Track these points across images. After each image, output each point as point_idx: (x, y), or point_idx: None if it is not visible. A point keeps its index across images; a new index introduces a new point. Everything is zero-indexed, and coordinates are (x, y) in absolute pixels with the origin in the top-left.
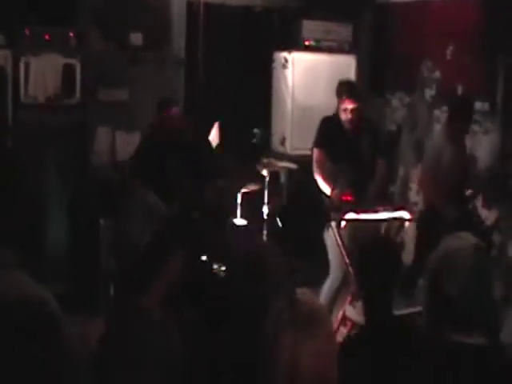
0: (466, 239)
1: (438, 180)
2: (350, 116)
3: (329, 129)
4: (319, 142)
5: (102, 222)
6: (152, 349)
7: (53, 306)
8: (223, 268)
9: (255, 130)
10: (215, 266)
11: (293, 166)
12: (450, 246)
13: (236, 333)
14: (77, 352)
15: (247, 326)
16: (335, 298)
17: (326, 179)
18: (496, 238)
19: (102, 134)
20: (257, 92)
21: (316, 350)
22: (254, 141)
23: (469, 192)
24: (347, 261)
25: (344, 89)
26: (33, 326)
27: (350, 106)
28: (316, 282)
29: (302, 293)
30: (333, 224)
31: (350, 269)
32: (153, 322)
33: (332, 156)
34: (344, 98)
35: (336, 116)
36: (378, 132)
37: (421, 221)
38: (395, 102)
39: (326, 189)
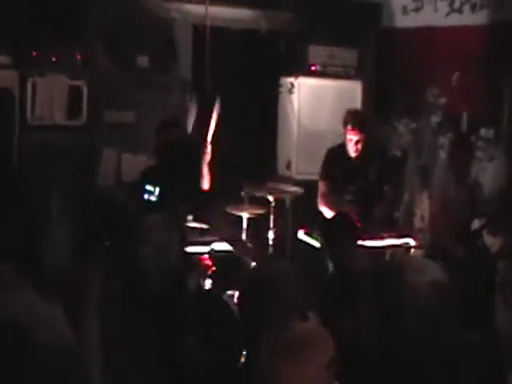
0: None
1: (446, 213)
2: (355, 147)
3: (334, 159)
4: (324, 175)
5: (106, 243)
6: None
7: (60, 322)
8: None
9: None
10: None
11: (298, 190)
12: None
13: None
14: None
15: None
16: None
17: (331, 208)
18: (500, 264)
19: (108, 156)
20: (263, 116)
21: (312, 375)
22: None
23: (476, 224)
24: None
25: (350, 119)
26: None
27: (355, 136)
28: None
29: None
30: None
31: None
32: None
33: (338, 185)
34: (350, 127)
35: (342, 144)
36: (385, 159)
37: (425, 248)
38: (401, 127)
39: (331, 216)
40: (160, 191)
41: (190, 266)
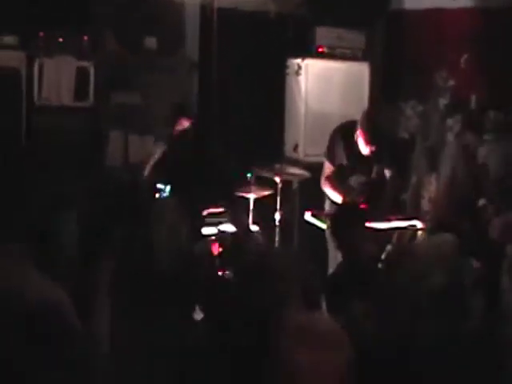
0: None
1: (453, 195)
2: (368, 150)
3: (342, 142)
4: (330, 156)
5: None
6: None
7: (68, 306)
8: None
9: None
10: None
11: (305, 173)
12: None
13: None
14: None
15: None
16: None
17: (336, 189)
18: (509, 248)
19: (115, 137)
20: (270, 98)
21: (330, 371)
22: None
23: (481, 203)
24: None
25: (365, 125)
26: (49, 324)
27: (369, 147)
28: None
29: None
30: None
31: None
32: None
33: (344, 168)
34: (365, 139)
35: (351, 127)
36: (393, 144)
37: (432, 230)
38: (408, 110)
39: (336, 197)
40: (171, 188)
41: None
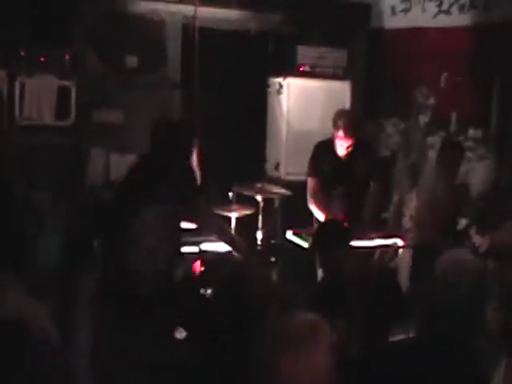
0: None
1: (433, 213)
2: (345, 151)
3: (322, 156)
4: (313, 171)
5: (95, 243)
6: None
7: (45, 320)
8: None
9: None
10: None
11: (286, 191)
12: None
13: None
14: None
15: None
16: None
17: (320, 207)
18: (490, 264)
19: (97, 156)
20: (251, 116)
21: (314, 365)
22: None
23: (463, 223)
24: None
25: (341, 123)
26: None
27: (346, 142)
28: None
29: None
30: None
31: None
32: None
33: (326, 182)
34: (341, 133)
35: (330, 141)
36: (373, 156)
37: (416, 254)
38: (390, 127)
39: (320, 216)
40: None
41: (181, 268)
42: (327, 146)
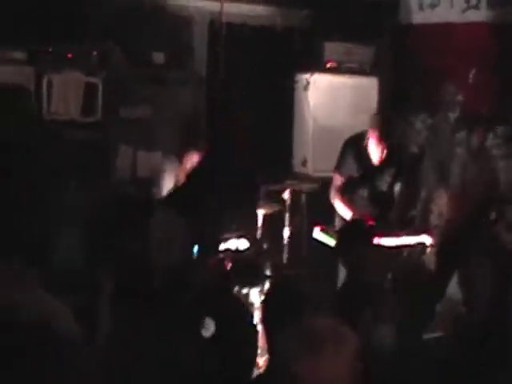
0: None
1: (463, 208)
2: (379, 156)
3: (352, 153)
4: (341, 167)
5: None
6: None
7: (70, 320)
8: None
9: None
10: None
11: (314, 188)
12: None
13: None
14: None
15: None
16: None
17: (346, 203)
18: None
19: (123, 152)
20: (278, 113)
21: (335, 371)
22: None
23: (493, 216)
24: None
25: (376, 123)
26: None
27: (381, 146)
28: None
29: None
30: None
31: None
32: None
33: (354, 181)
34: (376, 138)
35: (362, 138)
36: (403, 158)
37: (442, 245)
38: (418, 124)
39: (345, 213)
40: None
41: (198, 265)
42: (357, 142)
